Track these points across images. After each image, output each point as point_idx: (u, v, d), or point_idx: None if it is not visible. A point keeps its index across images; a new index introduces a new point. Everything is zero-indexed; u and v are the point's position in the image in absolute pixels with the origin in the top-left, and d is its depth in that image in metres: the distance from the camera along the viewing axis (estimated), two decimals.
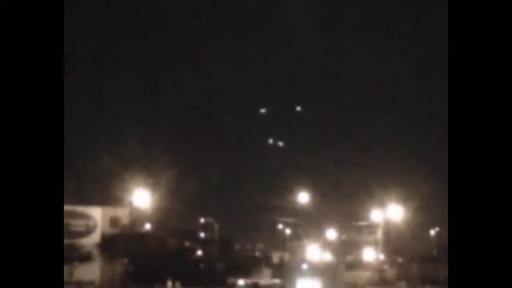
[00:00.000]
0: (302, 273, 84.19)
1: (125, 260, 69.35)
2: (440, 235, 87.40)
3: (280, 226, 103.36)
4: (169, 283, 66.70)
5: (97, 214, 74.42)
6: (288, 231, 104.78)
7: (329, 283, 76.05)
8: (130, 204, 70.60)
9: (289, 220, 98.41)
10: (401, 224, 77.36)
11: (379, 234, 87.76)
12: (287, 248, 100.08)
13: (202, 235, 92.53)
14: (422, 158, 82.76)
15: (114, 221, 73.79)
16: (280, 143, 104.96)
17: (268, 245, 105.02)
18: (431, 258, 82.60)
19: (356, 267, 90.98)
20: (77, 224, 72.93)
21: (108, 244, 68.99)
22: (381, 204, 79.23)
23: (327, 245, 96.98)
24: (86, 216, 74.08)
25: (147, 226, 78.99)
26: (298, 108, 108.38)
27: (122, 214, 73.98)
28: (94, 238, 71.47)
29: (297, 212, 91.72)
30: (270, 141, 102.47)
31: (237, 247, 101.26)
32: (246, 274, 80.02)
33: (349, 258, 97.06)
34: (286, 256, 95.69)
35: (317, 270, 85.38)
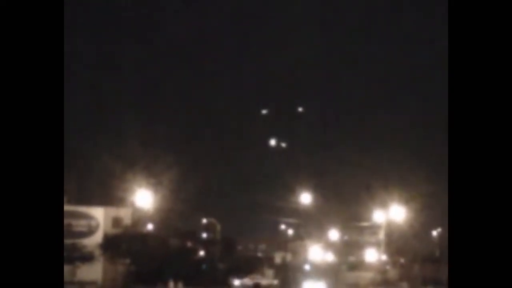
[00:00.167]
0: (304, 274, 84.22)
1: (127, 260, 69.36)
2: (442, 235, 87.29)
3: (282, 226, 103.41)
4: (171, 284, 66.71)
5: (99, 214, 74.46)
6: (290, 231, 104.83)
7: (331, 283, 76.08)
8: (132, 204, 70.59)
9: (291, 220, 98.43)
10: (403, 225, 77.28)
11: (381, 235, 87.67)
12: (289, 249, 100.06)
13: (204, 235, 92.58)
14: (424, 158, 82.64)
15: (116, 221, 73.83)
16: (283, 144, 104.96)
17: (270, 246, 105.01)
18: (434, 258, 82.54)
19: (358, 267, 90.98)
20: (79, 224, 72.98)
21: (110, 244, 69.00)
22: (383, 205, 79.13)
23: (329, 245, 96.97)
24: (88, 216, 74.13)
25: (149, 226, 79.02)
26: (300, 109, 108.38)
27: (124, 214, 73.99)
28: (96, 238, 71.50)
29: (299, 213, 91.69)
30: (273, 142, 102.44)
31: (239, 247, 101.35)
32: (248, 274, 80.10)
33: (351, 258, 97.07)
34: (288, 257, 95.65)
35: (319, 271, 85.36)
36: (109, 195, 70.42)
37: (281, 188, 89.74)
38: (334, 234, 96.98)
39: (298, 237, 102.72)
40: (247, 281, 78.59)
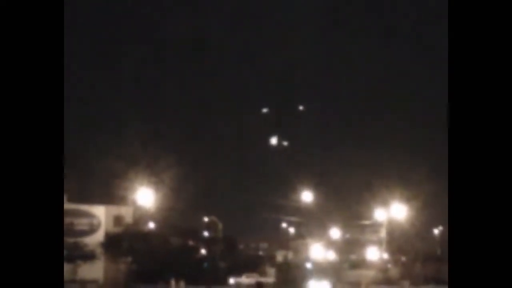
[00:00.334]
0: (308, 273, 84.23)
1: (129, 259, 69.50)
2: (443, 234, 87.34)
3: (284, 225, 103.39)
4: (173, 282, 66.77)
5: (100, 212, 74.55)
6: (291, 230, 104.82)
7: (333, 282, 76.12)
8: (134, 202, 70.72)
9: (293, 219, 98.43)
10: (404, 223, 77.35)
11: (383, 233, 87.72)
12: (291, 247, 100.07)
13: (205, 234, 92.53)
14: (425, 156, 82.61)
15: (117, 220, 73.93)
16: (285, 143, 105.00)
17: (272, 244, 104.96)
18: (435, 257, 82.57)
19: (360, 266, 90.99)
20: (80, 223, 73.07)
21: (112, 243, 69.12)
22: (385, 203, 79.18)
23: (330, 244, 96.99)
24: (90, 215, 74.21)
25: (151, 225, 79.08)
26: (300, 108, 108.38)
27: (126, 212, 74.09)
28: (98, 236, 71.61)
29: (300, 211, 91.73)
30: (274, 140, 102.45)
31: (240, 246, 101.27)
32: (248, 272, 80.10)
33: (353, 257, 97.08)
34: (290, 255, 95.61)
35: (321, 269, 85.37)
36: (110, 194, 70.60)
37: (283, 186, 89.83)
38: (335, 233, 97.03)
39: (299, 235, 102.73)
40: (243, 279, 78.57)
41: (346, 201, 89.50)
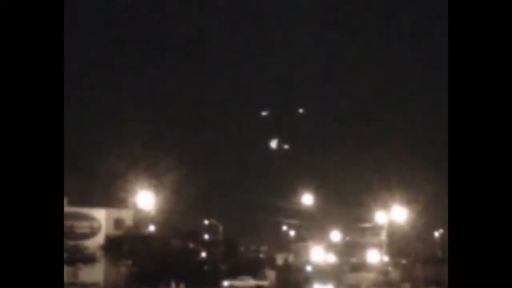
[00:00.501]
0: (310, 276, 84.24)
1: (129, 262, 69.40)
2: (444, 236, 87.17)
3: (284, 227, 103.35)
4: (173, 285, 66.78)
5: (101, 215, 74.52)
6: (292, 232, 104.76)
7: (333, 285, 76.15)
8: (134, 205, 70.67)
9: (293, 221, 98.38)
10: (405, 226, 77.25)
11: (383, 236, 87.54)
12: (291, 250, 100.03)
13: (206, 236, 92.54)
14: (426, 158, 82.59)
15: (118, 223, 73.87)
16: (285, 145, 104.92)
17: (272, 247, 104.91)
18: (435, 259, 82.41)
19: (360, 268, 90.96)
20: (81, 226, 73.02)
21: (112, 246, 69.03)
22: (385, 206, 79.10)
23: (331, 246, 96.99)
24: (90, 218, 74.17)
25: (151, 228, 79.03)
26: (301, 110, 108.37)
27: (126, 215, 74.04)
28: (98, 239, 71.54)
29: (301, 214, 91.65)
30: (274, 143, 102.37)
31: (241, 248, 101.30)
32: (248, 275, 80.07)
33: (353, 259, 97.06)
34: (291, 258, 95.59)
35: (322, 272, 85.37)
36: (111, 197, 70.55)
37: (283, 189, 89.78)
38: (336, 235, 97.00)
39: (300, 238, 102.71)
40: (236, 282, 78.50)
41: (347, 204, 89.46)
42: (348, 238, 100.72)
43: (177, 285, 66.59)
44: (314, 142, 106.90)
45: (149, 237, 74.45)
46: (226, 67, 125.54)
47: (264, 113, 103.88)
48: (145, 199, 68.13)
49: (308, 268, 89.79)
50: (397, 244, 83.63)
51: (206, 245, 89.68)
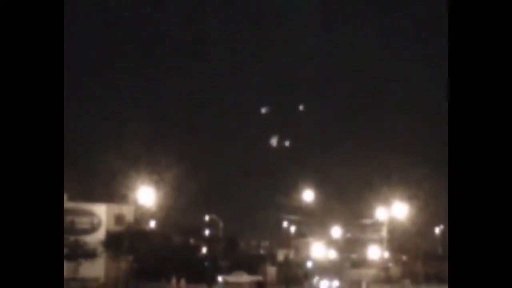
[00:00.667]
0: (307, 271, 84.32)
1: (130, 257, 69.51)
2: (444, 232, 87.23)
3: (285, 223, 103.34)
4: (174, 280, 66.88)
5: (102, 211, 74.60)
6: (293, 228, 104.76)
7: (338, 281, 76.34)
8: (135, 201, 70.81)
9: (294, 217, 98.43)
10: (406, 222, 77.33)
11: (384, 232, 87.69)
12: (292, 246, 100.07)
13: (206, 232, 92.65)
14: (426, 155, 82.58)
15: (119, 219, 73.95)
16: (286, 142, 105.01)
17: (273, 243, 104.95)
18: (436, 255, 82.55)
19: (361, 265, 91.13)
20: (81, 221, 73.12)
21: (113, 241, 69.14)
22: (386, 202, 79.19)
23: (332, 243, 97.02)
24: (91, 213, 74.26)
25: (152, 224, 79.16)
26: (301, 107, 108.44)
27: (127, 211, 74.15)
28: (99, 235, 71.64)
29: (301, 210, 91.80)
30: (275, 140, 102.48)
31: (241, 244, 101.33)
32: (249, 271, 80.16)
33: (354, 256, 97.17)
34: (291, 254, 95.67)
35: (322, 268, 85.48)
36: (111, 192, 70.65)
37: (284, 185, 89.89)
38: (336, 231, 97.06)
39: (300, 234, 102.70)
40: (230, 278, 78.60)
41: (347, 200, 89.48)
42: (348, 234, 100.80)
43: (178, 281, 66.68)
44: (315, 140, 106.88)
45: (149, 233, 74.58)
46: (226, 67, 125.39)
47: (264, 110, 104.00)
48: (146, 195, 68.28)
49: (309, 264, 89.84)
50: (398, 240, 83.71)
51: (207, 241, 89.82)
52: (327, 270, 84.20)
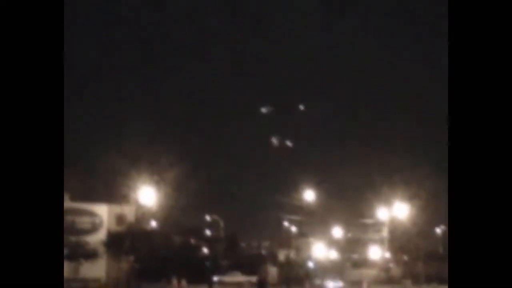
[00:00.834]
0: (308, 271, 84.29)
1: (131, 257, 69.52)
2: (445, 233, 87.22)
3: (286, 223, 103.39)
4: (175, 280, 66.88)
5: (103, 211, 74.64)
6: (294, 228, 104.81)
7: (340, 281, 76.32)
8: (136, 201, 70.81)
9: (295, 217, 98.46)
10: (407, 222, 77.30)
11: (385, 232, 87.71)
12: (293, 246, 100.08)
13: (207, 232, 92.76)
14: (427, 155, 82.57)
15: (120, 219, 73.97)
16: (287, 142, 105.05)
17: (274, 243, 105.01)
18: (437, 256, 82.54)
19: (362, 265, 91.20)
20: (82, 222, 73.16)
21: (114, 241, 69.14)
22: (387, 202, 79.16)
23: (333, 243, 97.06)
24: (92, 214, 74.29)
25: (153, 224, 79.20)
26: (301, 107, 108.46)
27: (128, 211, 74.16)
28: (100, 235, 71.65)
29: (302, 210, 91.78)
30: (276, 140, 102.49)
31: (242, 244, 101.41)
32: (251, 271, 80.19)
33: (355, 256, 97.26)
34: (292, 254, 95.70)
35: (323, 268, 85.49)
36: (112, 193, 70.65)
37: (285, 185, 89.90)
38: (337, 231, 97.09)
39: (301, 234, 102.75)
40: (225, 278, 78.65)
41: (348, 200, 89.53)
42: (349, 234, 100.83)
43: (179, 281, 66.68)
44: (316, 139, 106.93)
45: (150, 233, 74.60)
46: (226, 67, 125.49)
47: (264, 110, 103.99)
48: (147, 195, 68.27)
49: (310, 264, 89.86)
50: (399, 241, 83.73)
51: (208, 241, 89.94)
52: (328, 270, 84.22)
